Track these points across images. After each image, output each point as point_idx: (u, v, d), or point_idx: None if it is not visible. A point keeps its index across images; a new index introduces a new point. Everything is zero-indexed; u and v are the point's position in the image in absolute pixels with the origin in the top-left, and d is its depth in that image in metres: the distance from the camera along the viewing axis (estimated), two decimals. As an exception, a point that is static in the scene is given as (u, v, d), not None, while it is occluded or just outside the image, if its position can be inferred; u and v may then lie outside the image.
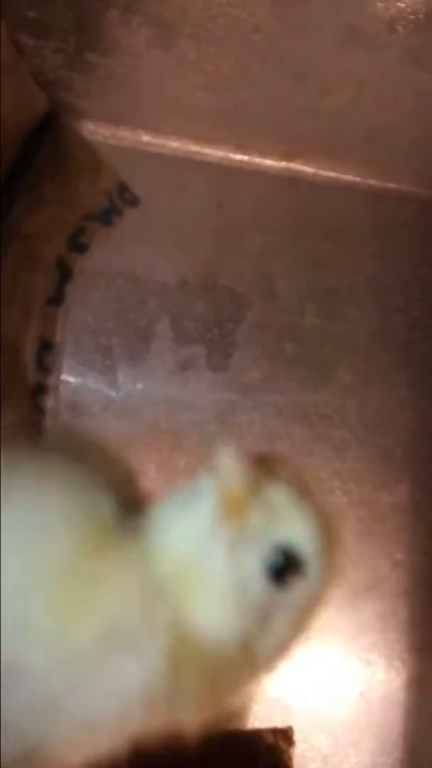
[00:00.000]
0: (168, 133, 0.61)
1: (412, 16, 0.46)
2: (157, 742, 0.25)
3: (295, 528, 0.23)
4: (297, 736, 0.55)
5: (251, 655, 0.23)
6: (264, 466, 0.23)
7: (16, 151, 0.53)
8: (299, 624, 0.23)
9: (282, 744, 0.53)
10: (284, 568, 0.22)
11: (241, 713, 0.57)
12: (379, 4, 0.45)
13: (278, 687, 0.59)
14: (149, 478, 0.58)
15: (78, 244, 0.55)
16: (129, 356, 0.59)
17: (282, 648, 0.24)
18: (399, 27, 0.46)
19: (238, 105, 0.56)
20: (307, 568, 0.23)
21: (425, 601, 0.63)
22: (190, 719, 0.24)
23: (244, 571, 0.22)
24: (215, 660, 0.22)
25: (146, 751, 0.51)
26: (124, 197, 0.57)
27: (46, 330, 0.53)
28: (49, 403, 0.54)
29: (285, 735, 0.54)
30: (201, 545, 0.22)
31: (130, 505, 0.24)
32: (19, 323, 0.52)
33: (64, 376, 0.56)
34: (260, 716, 0.58)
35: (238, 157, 0.63)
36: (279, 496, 0.23)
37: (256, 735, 0.54)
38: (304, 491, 0.23)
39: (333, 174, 0.65)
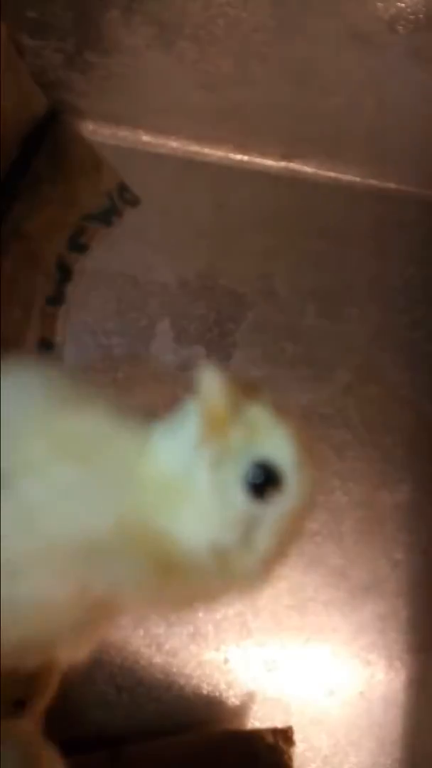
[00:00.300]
0: (168, 133, 0.61)
1: (412, 16, 0.46)
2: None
3: (273, 446, 0.24)
4: (297, 736, 0.55)
5: (228, 566, 0.24)
6: (245, 390, 0.25)
7: (16, 151, 0.53)
8: (279, 540, 0.24)
9: (282, 744, 0.53)
10: (263, 482, 0.24)
11: (241, 713, 0.58)
12: (379, 4, 0.45)
13: (278, 687, 0.59)
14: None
15: (78, 244, 0.55)
16: (129, 356, 0.59)
17: (262, 563, 0.25)
18: (399, 27, 0.47)
19: (238, 105, 0.57)
20: (284, 482, 0.24)
21: (425, 601, 0.63)
22: (131, 595, 0.25)
23: (225, 486, 0.23)
24: (178, 557, 0.24)
25: (145, 751, 0.51)
26: (124, 197, 0.57)
27: (46, 330, 0.53)
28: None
29: (285, 735, 0.54)
30: (185, 462, 0.24)
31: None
32: (19, 323, 0.52)
33: (64, 376, 0.56)
34: (260, 716, 0.58)
35: (238, 157, 0.63)
36: (258, 416, 0.24)
37: (256, 735, 0.54)
38: (281, 413, 0.25)
39: (333, 174, 0.65)
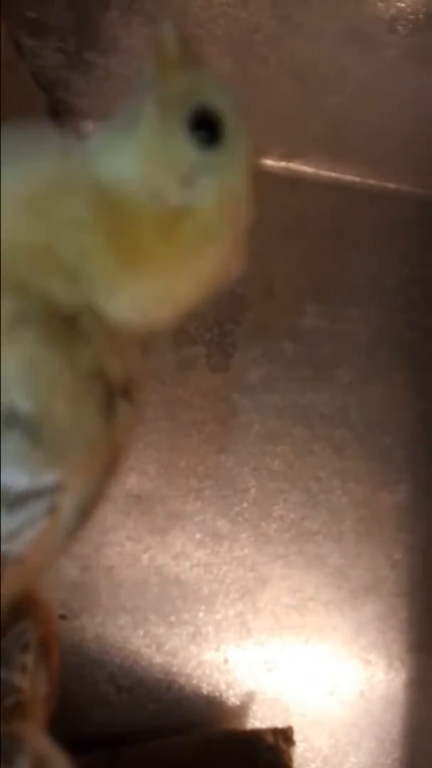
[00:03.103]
0: (168, 133, 0.61)
1: (412, 16, 0.46)
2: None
3: (215, 97, 0.25)
4: (297, 736, 0.55)
5: (173, 218, 0.24)
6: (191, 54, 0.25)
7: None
8: (222, 194, 0.25)
9: (282, 744, 0.53)
10: (204, 127, 0.24)
11: (241, 713, 0.58)
12: (379, 4, 0.45)
13: (278, 687, 0.59)
14: (149, 477, 0.58)
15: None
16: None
17: (211, 210, 0.25)
18: (399, 27, 0.47)
19: (238, 105, 0.56)
20: (224, 130, 0.25)
21: (424, 601, 0.63)
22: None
23: (166, 127, 0.23)
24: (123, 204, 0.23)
25: (145, 751, 0.52)
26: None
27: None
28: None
29: (285, 735, 0.54)
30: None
31: None
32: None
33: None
34: (260, 716, 0.58)
35: (238, 156, 0.63)
36: (203, 74, 0.24)
37: (256, 735, 0.54)
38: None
39: (333, 174, 0.65)
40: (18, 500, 0.22)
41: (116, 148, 0.24)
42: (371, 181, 0.66)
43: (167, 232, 0.24)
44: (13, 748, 0.27)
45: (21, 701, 0.29)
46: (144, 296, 0.25)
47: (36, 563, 0.24)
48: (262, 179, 0.68)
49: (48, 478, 0.22)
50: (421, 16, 0.45)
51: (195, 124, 0.24)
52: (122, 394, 0.25)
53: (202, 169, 0.24)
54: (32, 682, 0.30)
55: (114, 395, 0.24)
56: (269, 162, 0.64)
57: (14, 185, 0.23)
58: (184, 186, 0.24)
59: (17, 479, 0.21)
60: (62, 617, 0.55)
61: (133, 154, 0.23)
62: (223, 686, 0.58)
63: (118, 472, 0.24)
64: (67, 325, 0.22)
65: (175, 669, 0.56)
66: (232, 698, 0.58)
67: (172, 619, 0.57)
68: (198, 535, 0.58)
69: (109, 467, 0.24)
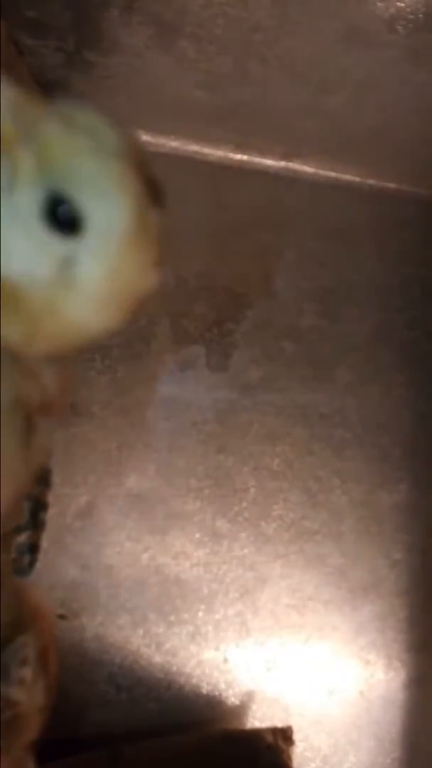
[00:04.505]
0: (168, 132, 0.61)
1: (412, 16, 0.46)
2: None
3: (74, 171, 0.20)
4: (297, 736, 0.55)
5: (54, 303, 0.21)
6: (37, 104, 0.21)
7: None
8: (110, 275, 0.21)
9: (281, 743, 0.53)
10: (63, 216, 0.20)
11: (240, 713, 0.58)
12: (379, 4, 0.45)
13: (278, 686, 0.59)
14: (149, 477, 0.58)
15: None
16: (129, 356, 0.59)
17: (94, 300, 0.22)
18: (399, 27, 0.47)
19: (238, 104, 0.56)
20: (82, 217, 0.21)
21: (424, 601, 0.63)
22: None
23: (20, 215, 0.20)
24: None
25: (145, 751, 0.52)
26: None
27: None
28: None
29: (285, 734, 0.54)
30: None
31: None
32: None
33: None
34: (260, 716, 0.58)
35: (238, 156, 0.63)
36: (56, 136, 0.20)
37: (256, 735, 0.54)
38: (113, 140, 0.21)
39: (333, 174, 0.65)
40: None
41: None
42: (371, 181, 0.66)
43: (54, 309, 0.21)
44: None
45: (18, 714, 0.29)
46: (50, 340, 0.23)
47: None
48: (262, 179, 0.68)
49: None
50: (420, 16, 0.45)
51: (51, 210, 0.20)
52: (41, 412, 0.24)
53: (74, 254, 0.21)
54: (30, 694, 0.30)
55: (32, 417, 0.23)
56: (269, 162, 0.64)
57: None
58: (60, 272, 0.21)
59: None
60: (62, 617, 0.55)
61: None
62: (222, 686, 0.58)
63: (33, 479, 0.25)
64: None
65: (174, 668, 0.56)
66: (232, 698, 0.58)
67: (172, 618, 0.57)
68: (197, 535, 0.58)
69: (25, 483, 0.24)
